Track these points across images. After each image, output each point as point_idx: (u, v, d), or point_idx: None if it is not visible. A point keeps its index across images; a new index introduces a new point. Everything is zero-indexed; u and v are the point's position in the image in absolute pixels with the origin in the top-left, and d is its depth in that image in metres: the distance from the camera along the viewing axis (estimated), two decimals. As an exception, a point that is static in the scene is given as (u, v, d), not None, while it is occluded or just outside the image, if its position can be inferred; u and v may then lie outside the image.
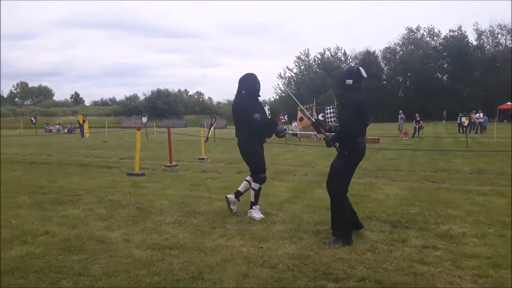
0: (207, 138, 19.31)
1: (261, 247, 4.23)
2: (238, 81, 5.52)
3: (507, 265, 3.72)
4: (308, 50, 68.18)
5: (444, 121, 41.47)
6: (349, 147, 4.37)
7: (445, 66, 62.90)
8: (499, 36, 60.59)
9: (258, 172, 5.48)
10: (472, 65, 58.58)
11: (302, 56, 69.65)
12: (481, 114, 29.11)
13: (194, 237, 4.57)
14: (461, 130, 25.59)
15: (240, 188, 5.68)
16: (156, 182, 8.14)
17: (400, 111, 26.40)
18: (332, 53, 69.34)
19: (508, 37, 60.07)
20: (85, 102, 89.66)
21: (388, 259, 3.91)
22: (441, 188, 7.58)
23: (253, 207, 5.44)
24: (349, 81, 4.37)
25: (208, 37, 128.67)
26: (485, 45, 61.67)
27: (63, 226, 5.01)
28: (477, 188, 7.48)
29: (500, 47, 60.44)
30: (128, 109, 67.63)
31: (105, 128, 29.53)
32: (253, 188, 5.48)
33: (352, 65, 5.62)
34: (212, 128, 19.40)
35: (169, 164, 10.59)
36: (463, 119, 22.81)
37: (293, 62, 71.83)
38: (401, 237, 4.55)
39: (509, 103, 49.28)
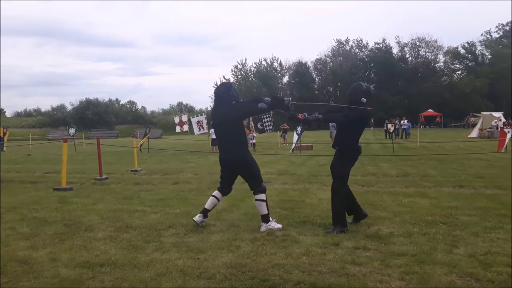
0: (140, 148, 18.77)
1: (198, 259, 4.16)
2: (215, 93, 5.29)
3: (430, 261, 3.97)
4: (245, 59, 69.04)
5: (372, 128, 43.64)
6: (352, 150, 5.20)
7: (372, 76, 66.65)
8: (420, 48, 65.53)
9: (260, 181, 5.29)
10: (396, 75, 62.77)
11: (239, 66, 70.47)
12: (405, 121, 31.13)
13: (126, 253, 4.38)
14: (387, 136, 27.16)
15: (207, 206, 5.42)
16: (85, 197, 7.73)
17: None
18: (268, 63, 70.81)
19: (427, 50, 65.17)
20: (6, 113, 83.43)
21: (322, 261, 4.01)
22: (370, 191, 7.96)
23: (270, 218, 5.24)
24: (364, 100, 5.10)
25: (144, 46, 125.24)
26: (407, 56, 66.29)
27: (-21, 248, 4.59)
28: (402, 190, 7.94)
29: (420, 58, 65.31)
30: (55, 120, 64.11)
31: (29, 141, 27.57)
32: (262, 200, 5.24)
33: (364, 84, 5.78)
34: (145, 138, 18.88)
35: (99, 177, 10.11)
36: (389, 125, 24.23)
37: (230, 71, 72.36)
38: (334, 239, 4.70)
39: (431, 110, 53.38)
